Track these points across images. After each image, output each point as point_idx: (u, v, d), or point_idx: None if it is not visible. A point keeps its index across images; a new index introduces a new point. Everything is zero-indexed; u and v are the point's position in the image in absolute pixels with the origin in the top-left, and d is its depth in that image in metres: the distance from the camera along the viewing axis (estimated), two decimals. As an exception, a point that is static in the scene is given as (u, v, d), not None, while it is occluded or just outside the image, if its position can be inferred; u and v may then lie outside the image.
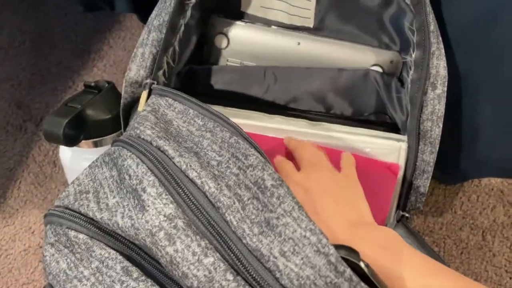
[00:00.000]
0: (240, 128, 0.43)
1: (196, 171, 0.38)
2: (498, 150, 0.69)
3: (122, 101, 0.55)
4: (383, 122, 0.63)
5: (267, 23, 0.65)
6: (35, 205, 0.86)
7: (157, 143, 0.40)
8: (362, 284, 0.32)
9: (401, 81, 0.62)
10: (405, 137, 0.56)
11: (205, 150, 0.41)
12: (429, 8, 0.55)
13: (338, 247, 0.34)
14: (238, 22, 0.64)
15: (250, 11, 0.65)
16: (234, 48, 0.65)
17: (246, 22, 0.64)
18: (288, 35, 0.64)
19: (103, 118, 0.59)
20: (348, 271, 0.32)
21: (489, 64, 0.61)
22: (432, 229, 0.89)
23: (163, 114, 0.45)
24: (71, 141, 0.56)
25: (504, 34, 0.57)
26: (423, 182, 0.55)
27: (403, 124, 0.58)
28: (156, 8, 0.56)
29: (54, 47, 1.05)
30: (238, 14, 0.65)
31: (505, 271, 0.86)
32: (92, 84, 0.61)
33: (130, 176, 0.39)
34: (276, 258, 0.33)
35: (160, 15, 0.55)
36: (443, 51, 0.55)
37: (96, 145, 0.61)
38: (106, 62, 1.03)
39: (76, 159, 0.64)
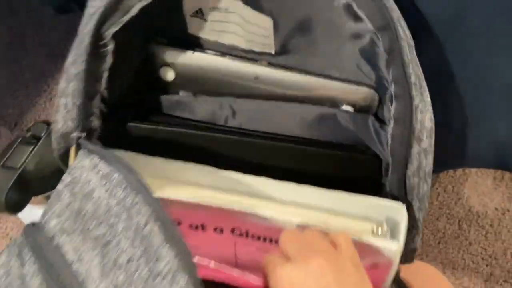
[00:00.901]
0: (161, 209, 0.35)
1: (95, 283, 0.33)
2: (469, 141, 0.67)
3: (55, 153, 0.47)
4: (364, 158, 0.53)
5: (222, 48, 0.55)
6: (13, 214, 0.85)
7: (58, 241, 0.36)
8: None
9: (378, 118, 0.53)
10: (404, 223, 0.44)
11: (119, 237, 0.35)
12: (408, 58, 0.44)
13: None
14: (184, 52, 0.54)
15: (201, 34, 0.54)
16: (183, 80, 0.56)
17: (195, 51, 0.54)
18: (245, 68, 0.54)
19: (49, 172, 0.51)
20: None
21: (457, 58, 0.59)
22: (409, 221, 0.86)
23: (84, 183, 0.39)
24: (17, 208, 0.50)
25: (468, 31, 0.56)
26: (414, 239, 0.47)
27: (386, 160, 0.49)
28: (71, 51, 0.46)
29: (27, 52, 1.00)
30: (185, 38, 0.55)
31: (481, 258, 0.84)
32: (28, 134, 0.52)
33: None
34: None
35: (76, 62, 0.45)
36: (428, 99, 0.46)
37: (49, 198, 0.56)
38: (78, 63, 0.99)
39: (32, 216, 0.58)
